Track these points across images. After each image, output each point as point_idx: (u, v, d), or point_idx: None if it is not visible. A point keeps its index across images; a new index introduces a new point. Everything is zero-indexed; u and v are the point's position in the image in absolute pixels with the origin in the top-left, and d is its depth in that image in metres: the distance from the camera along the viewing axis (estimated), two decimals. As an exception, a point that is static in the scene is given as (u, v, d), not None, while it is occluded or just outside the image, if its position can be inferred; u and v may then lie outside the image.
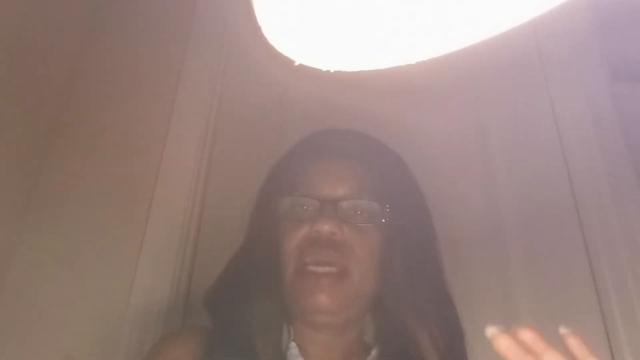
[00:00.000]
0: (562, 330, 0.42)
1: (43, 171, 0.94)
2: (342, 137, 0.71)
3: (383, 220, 0.61)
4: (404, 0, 0.31)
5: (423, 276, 0.64)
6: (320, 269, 0.59)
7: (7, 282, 0.84)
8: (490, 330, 0.39)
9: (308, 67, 0.36)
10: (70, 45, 1.04)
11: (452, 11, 0.31)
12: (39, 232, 0.89)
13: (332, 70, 0.35)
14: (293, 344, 0.61)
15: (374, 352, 0.64)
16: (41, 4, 0.92)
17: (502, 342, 0.38)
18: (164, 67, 1.06)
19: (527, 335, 0.40)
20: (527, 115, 1.03)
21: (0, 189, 0.85)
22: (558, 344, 0.46)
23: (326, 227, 0.59)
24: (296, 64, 0.35)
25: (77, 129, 0.99)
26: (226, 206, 0.91)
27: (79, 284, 0.85)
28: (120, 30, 1.10)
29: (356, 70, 0.35)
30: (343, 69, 0.35)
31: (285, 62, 0.36)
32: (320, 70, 0.36)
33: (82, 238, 0.89)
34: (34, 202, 0.91)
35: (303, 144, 0.72)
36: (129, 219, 0.90)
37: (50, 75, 0.98)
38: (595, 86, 1.02)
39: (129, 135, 0.99)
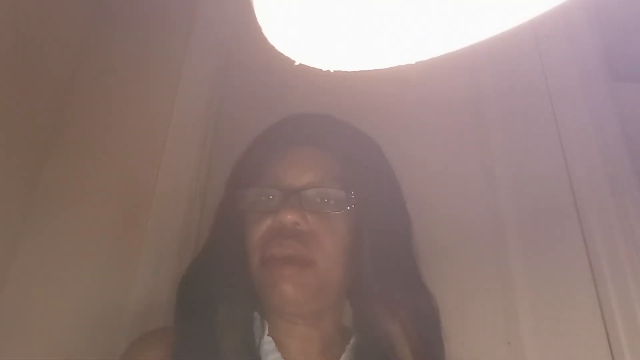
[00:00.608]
0: None
1: (43, 171, 0.94)
2: (309, 123, 0.69)
3: (348, 208, 0.59)
4: (404, 0, 0.31)
5: (394, 264, 0.62)
6: (285, 259, 0.57)
7: (7, 282, 0.84)
8: None
9: (308, 67, 0.36)
10: (70, 45, 1.04)
11: (452, 11, 0.31)
12: (39, 232, 0.89)
13: (332, 70, 0.35)
14: (268, 338, 0.59)
15: (352, 341, 0.63)
16: (42, 3, 0.92)
17: None
18: (164, 67, 1.06)
19: None
20: (526, 115, 1.03)
21: (0, 189, 0.84)
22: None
23: (289, 218, 0.57)
24: (296, 64, 0.35)
25: (77, 128, 0.99)
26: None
27: (79, 284, 0.85)
28: (121, 30, 1.10)
29: (356, 70, 0.35)
30: (343, 69, 0.35)
31: (285, 62, 0.36)
32: (320, 70, 0.36)
33: (82, 238, 0.89)
34: (34, 202, 0.91)
35: (268, 131, 0.70)
36: (129, 219, 0.90)
37: (51, 75, 0.98)
38: (595, 86, 1.02)
39: (129, 135, 0.99)
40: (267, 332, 0.60)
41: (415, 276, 0.65)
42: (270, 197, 0.60)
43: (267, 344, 0.59)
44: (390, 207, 0.66)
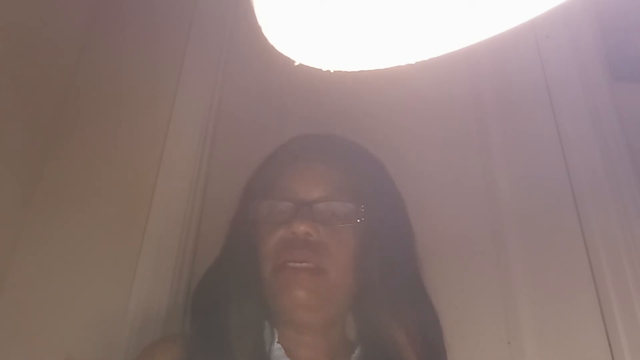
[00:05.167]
0: None
1: (43, 171, 0.94)
2: (319, 142, 0.72)
3: (358, 221, 0.62)
4: (404, 0, 0.31)
5: (399, 275, 0.65)
6: (298, 265, 0.60)
7: (8, 282, 0.84)
8: None
9: (308, 67, 0.36)
10: (70, 45, 1.04)
11: (452, 11, 0.31)
12: (39, 232, 0.89)
13: (332, 70, 0.35)
14: (278, 345, 0.61)
15: (357, 351, 0.65)
16: (41, 3, 0.92)
17: None
18: (164, 67, 1.06)
19: None
20: (527, 115, 1.03)
21: (1, 189, 0.84)
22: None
23: (301, 228, 0.60)
24: (296, 64, 0.35)
25: (77, 129, 0.99)
26: (226, 206, 0.91)
27: (79, 284, 0.85)
28: (121, 30, 1.10)
29: (356, 70, 0.35)
30: (343, 69, 0.35)
31: (285, 62, 0.36)
32: (320, 70, 0.36)
33: (82, 239, 0.89)
34: (34, 202, 0.91)
35: (281, 149, 0.73)
36: (129, 219, 0.90)
37: (50, 76, 0.98)
38: (595, 86, 1.02)
39: (129, 135, 0.99)
40: (277, 339, 0.62)
41: (419, 285, 0.67)
42: (283, 209, 0.63)
43: (277, 350, 0.61)
44: (395, 220, 0.69)
